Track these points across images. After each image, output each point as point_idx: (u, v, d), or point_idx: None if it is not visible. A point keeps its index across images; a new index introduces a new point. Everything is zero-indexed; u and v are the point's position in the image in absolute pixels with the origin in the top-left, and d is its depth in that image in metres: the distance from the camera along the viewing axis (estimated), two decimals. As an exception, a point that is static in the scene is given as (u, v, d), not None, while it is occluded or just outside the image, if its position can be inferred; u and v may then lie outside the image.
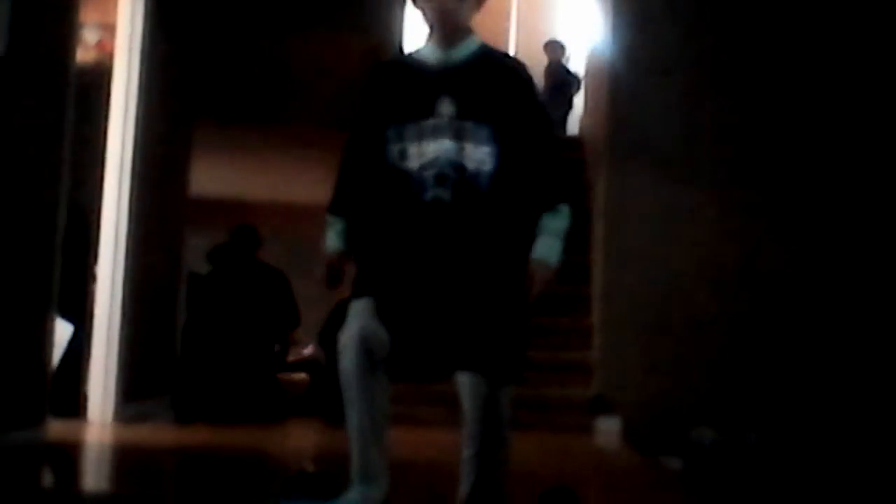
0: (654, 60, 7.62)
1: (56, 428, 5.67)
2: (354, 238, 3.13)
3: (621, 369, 7.50)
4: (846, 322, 7.28)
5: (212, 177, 10.14)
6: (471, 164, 2.95)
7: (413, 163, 2.98)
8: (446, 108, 2.97)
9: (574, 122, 11.23)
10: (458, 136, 2.96)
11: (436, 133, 2.97)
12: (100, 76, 6.75)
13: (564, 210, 3.01)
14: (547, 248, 2.97)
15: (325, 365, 8.16)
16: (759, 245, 7.46)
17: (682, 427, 5.93)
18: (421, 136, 2.98)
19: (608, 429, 7.38)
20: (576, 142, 10.09)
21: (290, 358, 8.74)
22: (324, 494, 2.89)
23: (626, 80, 7.69)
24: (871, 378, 7.16)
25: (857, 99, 7.46)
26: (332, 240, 3.16)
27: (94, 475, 5.04)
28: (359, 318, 2.93)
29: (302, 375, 8.82)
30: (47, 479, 4.74)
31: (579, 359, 7.86)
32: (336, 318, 8.77)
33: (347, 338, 2.93)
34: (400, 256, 2.98)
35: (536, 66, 10.56)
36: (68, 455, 5.40)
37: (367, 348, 2.87)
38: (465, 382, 3.00)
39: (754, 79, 7.54)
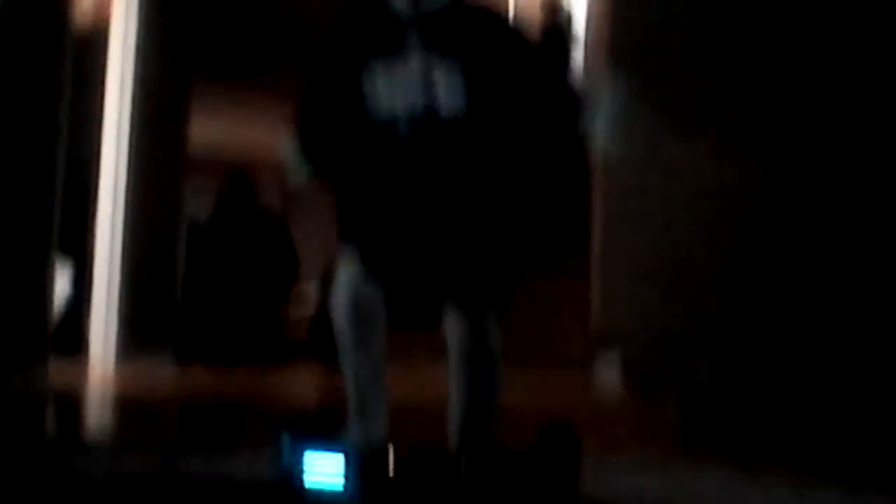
0: (656, 10, 7.57)
1: (59, 369, 5.70)
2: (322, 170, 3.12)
3: (621, 305, 7.52)
4: (838, 262, 7.29)
5: (210, 131, 10.11)
6: (445, 100, 2.92)
7: (386, 102, 2.95)
8: (416, 43, 2.93)
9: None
10: (429, 73, 2.92)
11: (408, 70, 2.93)
12: (98, 29, 6.72)
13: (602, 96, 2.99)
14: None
15: (325, 308, 8.18)
16: (759, 198, 7.45)
17: (680, 364, 5.96)
18: (392, 74, 2.94)
19: (608, 364, 7.42)
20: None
21: (294, 315, 8.78)
22: (326, 432, 2.90)
23: (627, 33, 7.64)
24: (866, 318, 7.19)
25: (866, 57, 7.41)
26: (298, 163, 3.13)
27: (96, 418, 5.09)
28: (347, 273, 2.92)
29: (302, 318, 8.86)
30: (50, 419, 4.78)
31: (578, 294, 7.88)
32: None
33: (338, 295, 2.93)
34: (380, 198, 2.97)
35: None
36: (71, 397, 5.44)
37: (357, 303, 2.88)
38: (452, 321, 2.98)
39: (757, 33, 7.48)
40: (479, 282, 2.94)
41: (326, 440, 2.82)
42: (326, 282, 8.30)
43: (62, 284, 6.31)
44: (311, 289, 9.10)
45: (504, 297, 2.98)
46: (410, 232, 2.93)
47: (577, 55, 11.01)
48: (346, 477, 2.73)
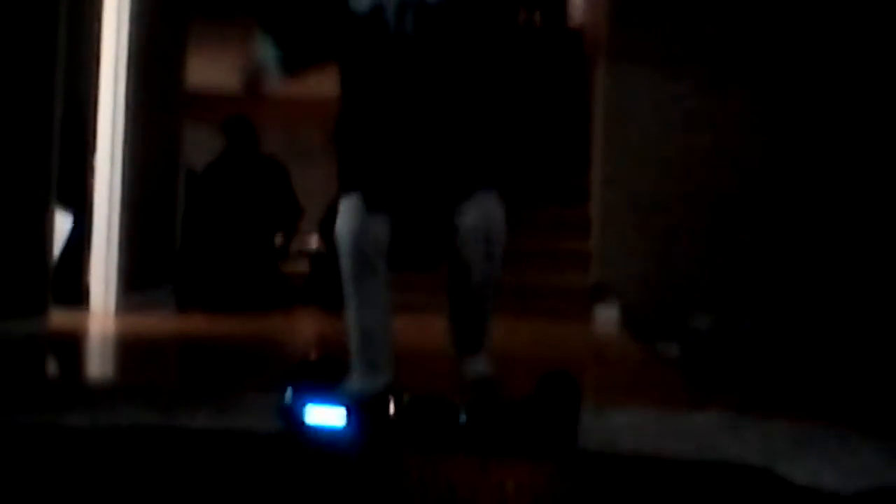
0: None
1: (59, 317, 5.71)
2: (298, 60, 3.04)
3: (620, 257, 7.53)
4: (844, 210, 7.29)
5: (208, 70, 10.05)
6: None
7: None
8: None
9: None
10: None
11: None
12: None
13: None
14: None
15: (326, 254, 8.19)
16: (757, 136, 7.44)
17: (679, 314, 5.98)
18: None
19: (607, 316, 7.44)
20: (576, 36, 9.99)
21: (297, 249, 8.79)
22: (328, 379, 2.90)
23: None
24: (868, 265, 7.20)
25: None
26: (270, 54, 3.05)
27: (97, 365, 5.10)
28: (351, 214, 2.87)
29: (303, 264, 8.87)
30: (51, 367, 4.79)
31: (578, 247, 7.89)
32: (336, 209, 8.77)
33: (342, 238, 2.88)
34: (370, 92, 2.89)
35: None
36: (71, 345, 5.45)
37: (362, 248, 2.84)
38: (463, 229, 2.88)
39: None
40: (480, 170, 2.88)
41: (328, 392, 2.81)
42: (325, 228, 8.30)
43: (61, 232, 6.31)
44: (312, 238, 9.11)
45: (507, 188, 2.94)
46: (405, 125, 2.87)
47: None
48: (348, 424, 2.72)
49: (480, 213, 2.85)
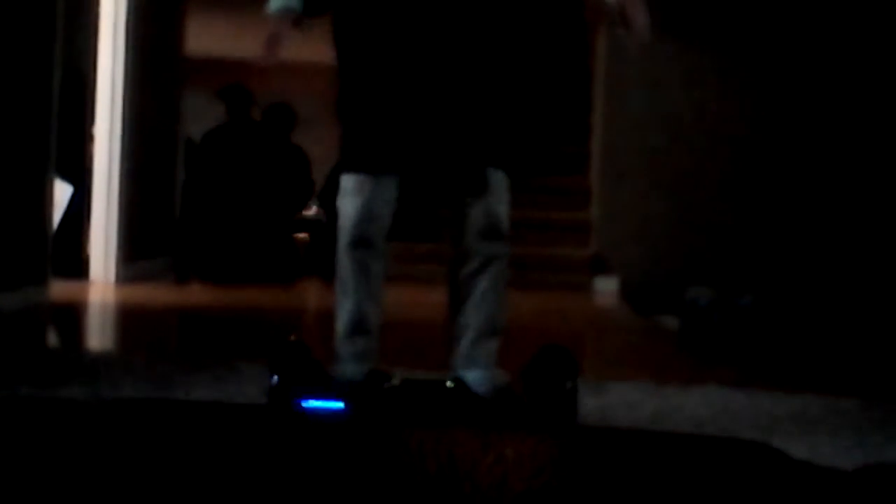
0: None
1: (59, 288, 5.71)
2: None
3: (620, 230, 7.53)
4: (844, 181, 7.28)
5: (208, 36, 10.01)
6: None
7: None
8: None
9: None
10: None
11: None
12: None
13: None
14: None
15: (326, 224, 8.20)
16: (759, 109, 7.42)
17: (678, 287, 5.98)
18: None
19: (606, 288, 7.44)
20: (577, 1, 9.94)
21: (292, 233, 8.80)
22: (312, 367, 2.79)
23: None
24: (868, 239, 7.20)
25: None
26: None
27: (97, 335, 5.11)
28: (355, 197, 2.74)
29: (303, 235, 8.87)
30: (52, 338, 4.80)
31: (578, 219, 7.89)
32: (336, 179, 8.79)
33: (345, 221, 2.76)
34: (387, 62, 2.71)
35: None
36: (71, 315, 5.46)
37: (366, 236, 2.74)
38: (469, 223, 2.77)
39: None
40: (492, 145, 2.76)
41: (319, 385, 2.70)
42: (325, 198, 8.30)
43: (60, 202, 6.30)
44: (311, 208, 9.09)
45: (517, 156, 2.87)
46: (418, 91, 2.72)
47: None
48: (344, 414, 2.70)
49: (486, 210, 2.75)
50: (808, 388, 3.56)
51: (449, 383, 2.81)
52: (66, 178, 6.38)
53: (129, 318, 5.46)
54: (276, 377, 2.67)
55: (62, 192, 6.31)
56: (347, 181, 2.78)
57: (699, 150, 7.46)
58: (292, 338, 2.88)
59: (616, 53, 7.54)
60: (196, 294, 6.66)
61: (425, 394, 2.79)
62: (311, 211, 8.98)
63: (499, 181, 2.77)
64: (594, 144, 7.96)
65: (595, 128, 7.97)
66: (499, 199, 2.77)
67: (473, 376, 2.79)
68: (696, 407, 3.14)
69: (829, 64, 7.35)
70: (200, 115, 9.48)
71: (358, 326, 2.78)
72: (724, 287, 5.84)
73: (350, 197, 2.76)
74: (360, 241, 2.75)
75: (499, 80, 2.76)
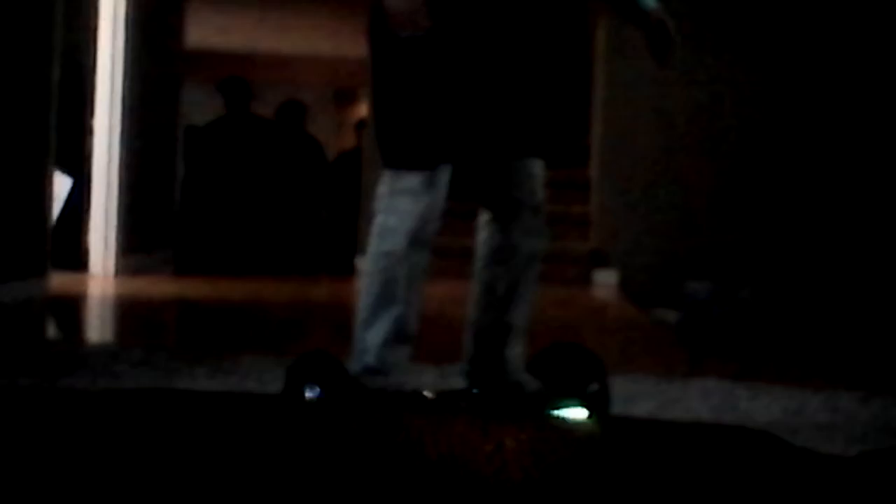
0: None
1: (58, 280, 5.72)
2: None
3: (619, 223, 7.53)
4: (843, 175, 7.28)
5: (207, 29, 10.01)
6: None
7: None
8: None
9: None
10: None
11: None
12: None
13: None
14: None
15: (327, 219, 8.21)
16: (759, 102, 7.42)
17: (678, 280, 5.98)
18: None
19: (606, 281, 7.45)
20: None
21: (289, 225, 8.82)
22: (331, 378, 2.69)
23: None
24: (866, 232, 7.20)
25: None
26: None
27: (96, 327, 5.11)
28: (407, 204, 2.61)
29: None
30: (51, 331, 4.80)
31: (578, 212, 7.88)
32: (341, 163, 8.82)
33: (391, 232, 2.62)
34: (444, 52, 2.61)
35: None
36: (71, 307, 5.46)
37: (424, 236, 2.63)
38: (522, 185, 2.72)
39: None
40: (534, 133, 2.71)
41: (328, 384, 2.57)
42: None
43: (60, 194, 6.30)
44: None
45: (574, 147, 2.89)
46: (471, 77, 2.64)
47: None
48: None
49: (532, 202, 2.72)
50: (807, 381, 3.57)
51: (475, 390, 2.72)
52: (66, 170, 6.38)
53: (128, 311, 5.46)
54: (317, 389, 2.52)
55: (61, 185, 6.31)
56: (402, 181, 2.62)
57: (699, 144, 7.46)
58: (316, 350, 2.75)
59: (616, 46, 7.53)
60: (196, 286, 6.67)
61: (476, 404, 2.68)
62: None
63: (539, 175, 2.74)
64: (594, 137, 7.96)
65: (595, 121, 7.97)
66: (538, 183, 2.75)
67: (524, 379, 2.74)
68: (695, 400, 3.14)
69: (830, 59, 7.35)
70: (200, 108, 9.48)
71: (403, 334, 2.63)
72: (724, 280, 5.86)
73: (410, 196, 2.61)
74: (420, 242, 2.63)
75: (543, 70, 2.73)
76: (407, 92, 2.64)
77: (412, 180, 2.61)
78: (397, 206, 2.62)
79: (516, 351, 2.76)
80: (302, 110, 8.23)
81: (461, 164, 2.69)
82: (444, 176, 2.65)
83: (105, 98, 6.60)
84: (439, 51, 2.62)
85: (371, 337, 2.61)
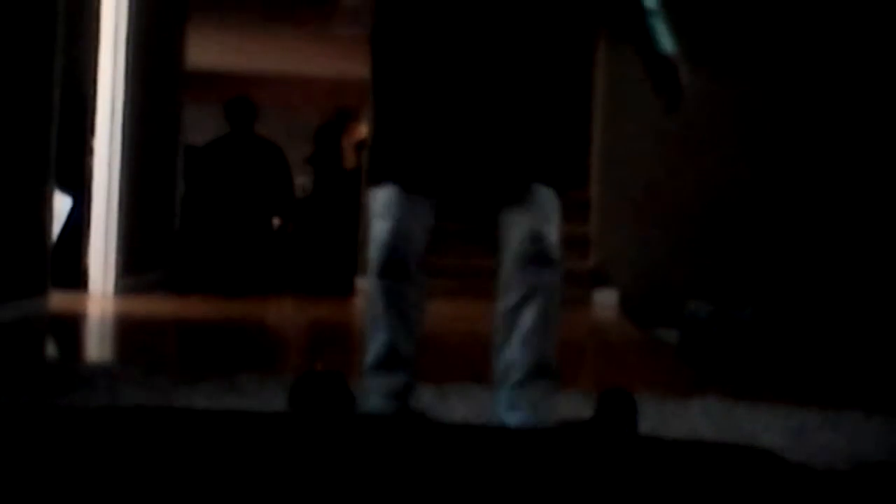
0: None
1: (58, 299, 5.71)
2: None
3: (619, 242, 7.53)
4: (844, 195, 7.28)
5: (208, 49, 10.04)
6: None
7: None
8: None
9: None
10: None
11: None
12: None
13: None
14: (661, 34, 2.57)
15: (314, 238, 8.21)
16: (759, 122, 7.43)
17: (678, 300, 5.98)
18: None
19: (605, 301, 7.44)
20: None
21: (291, 231, 8.80)
22: (335, 397, 2.67)
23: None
24: (867, 252, 7.20)
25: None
26: None
27: (96, 346, 5.10)
28: (387, 210, 2.51)
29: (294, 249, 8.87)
30: (50, 349, 4.79)
31: (578, 232, 7.88)
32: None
33: (375, 237, 2.53)
34: (427, 68, 2.48)
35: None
36: (70, 326, 5.45)
37: (396, 254, 2.51)
38: (515, 213, 2.50)
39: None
40: (553, 157, 2.50)
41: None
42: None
43: (60, 213, 6.30)
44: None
45: (574, 173, 2.70)
46: (460, 99, 2.48)
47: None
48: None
49: (529, 231, 2.47)
50: (808, 400, 3.56)
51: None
52: (66, 189, 6.38)
53: (127, 330, 5.45)
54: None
55: (62, 204, 6.31)
56: (378, 200, 2.53)
57: (699, 164, 7.46)
58: (318, 367, 2.72)
59: (617, 67, 7.54)
60: (195, 306, 6.66)
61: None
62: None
63: (545, 198, 2.50)
64: (594, 157, 7.96)
65: (595, 140, 7.97)
66: (545, 219, 2.49)
67: (516, 419, 2.53)
68: (695, 419, 3.13)
69: (828, 81, 7.36)
70: (201, 128, 9.49)
71: (386, 361, 2.56)
72: (724, 300, 5.85)
73: (380, 219, 2.51)
74: (391, 268, 2.51)
75: (542, 92, 2.52)
76: (388, 104, 2.55)
77: (383, 200, 2.52)
78: (374, 230, 2.55)
79: (535, 392, 2.55)
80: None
81: (443, 194, 2.54)
82: (421, 200, 2.51)
83: (105, 117, 6.61)
84: (424, 72, 2.50)
85: (367, 361, 2.58)
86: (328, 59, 10.70)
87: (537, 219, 2.49)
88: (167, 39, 7.87)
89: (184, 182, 8.33)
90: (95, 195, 6.61)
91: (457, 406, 3.06)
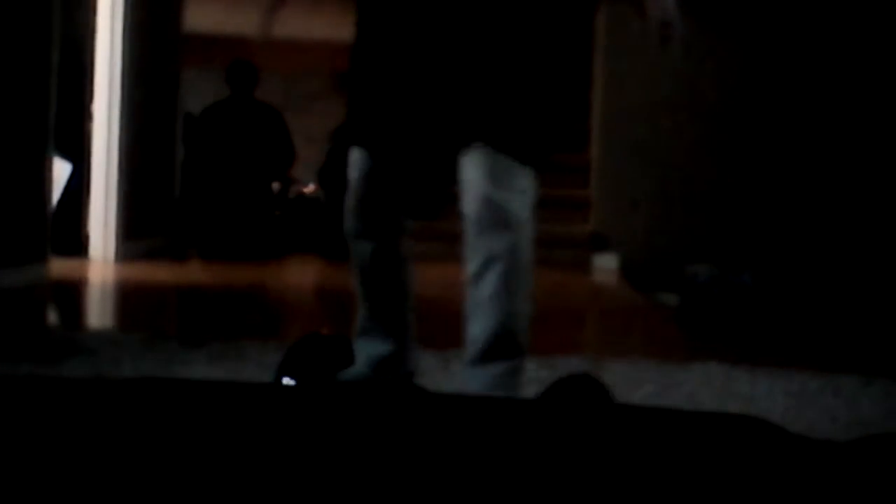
0: None
1: (58, 266, 5.71)
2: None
3: (619, 207, 7.52)
4: (844, 159, 7.27)
5: (207, 12, 9.98)
6: None
7: None
8: None
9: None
10: None
11: None
12: None
13: None
14: None
15: (325, 202, 8.18)
16: (759, 86, 7.40)
17: (678, 264, 5.98)
18: None
19: (606, 265, 7.44)
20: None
21: (291, 195, 8.79)
22: (338, 361, 2.67)
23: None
24: (867, 216, 7.19)
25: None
26: None
27: (97, 313, 5.10)
28: (353, 171, 2.47)
29: (301, 212, 8.86)
30: (51, 316, 4.80)
31: (578, 196, 7.88)
32: (335, 156, 8.79)
33: (346, 211, 2.50)
34: (389, 35, 2.45)
35: None
36: (71, 293, 5.45)
37: (360, 208, 2.47)
38: (469, 178, 2.38)
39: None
40: (511, 118, 2.38)
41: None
42: (324, 176, 8.29)
43: (59, 180, 6.29)
44: (311, 185, 9.09)
45: (544, 145, 2.42)
46: (417, 65, 2.41)
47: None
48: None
49: (483, 195, 2.35)
50: (808, 364, 3.57)
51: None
52: (65, 155, 6.37)
53: (128, 296, 5.45)
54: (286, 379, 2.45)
55: (61, 170, 6.30)
56: (350, 164, 2.50)
57: (699, 128, 7.44)
58: (324, 330, 2.70)
59: (616, 30, 7.51)
60: (196, 272, 6.66)
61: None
62: (310, 188, 8.97)
63: (499, 163, 2.36)
64: (594, 121, 7.94)
65: (595, 104, 7.95)
66: (499, 184, 2.35)
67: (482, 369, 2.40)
68: (695, 384, 3.14)
69: (829, 44, 7.33)
70: (199, 92, 9.45)
71: (366, 328, 2.54)
72: (724, 264, 5.85)
73: (351, 183, 2.48)
74: (359, 230, 2.49)
75: (501, 57, 2.40)
76: (353, 68, 2.53)
77: (352, 164, 2.48)
78: (348, 195, 2.51)
79: (496, 370, 2.42)
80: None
81: (391, 152, 2.48)
82: (382, 159, 2.45)
83: (104, 83, 6.59)
84: (384, 36, 2.47)
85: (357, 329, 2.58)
86: (328, 23, 10.65)
87: (490, 184, 2.35)
88: (165, 3, 7.83)
89: (183, 146, 8.31)
90: (95, 161, 6.60)
91: (459, 372, 3.06)
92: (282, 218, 8.29)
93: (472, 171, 2.37)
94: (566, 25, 2.47)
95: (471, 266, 2.38)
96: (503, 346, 2.38)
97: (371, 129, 2.48)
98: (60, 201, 6.30)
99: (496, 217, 2.34)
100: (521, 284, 2.38)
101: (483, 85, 2.38)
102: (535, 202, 2.41)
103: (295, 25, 11.18)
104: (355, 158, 2.49)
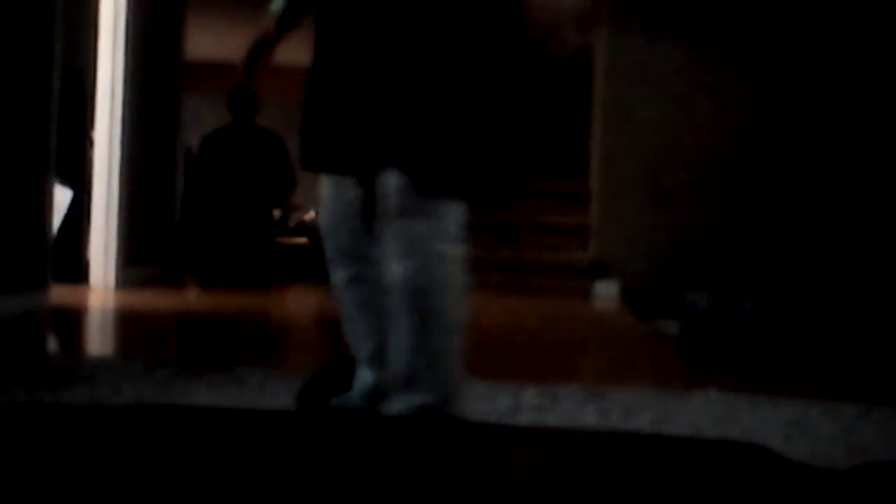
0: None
1: (59, 293, 5.71)
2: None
3: (620, 234, 7.53)
4: (845, 187, 7.28)
5: (207, 40, 10.03)
6: None
7: None
8: None
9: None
10: None
11: None
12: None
13: None
14: None
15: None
16: (760, 111, 7.42)
17: (678, 291, 5.98)
18: None
19: (606, 292, 7.44)
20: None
21: (292, 223, 8.80)
22: (338, 386, 2.65)
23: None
24: (868, 244, 7.20)
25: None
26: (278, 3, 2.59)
27: (97, 340, 5.10)
28: (325, 208, 2.55)
29: (302, 240, 8.87)
30: (51, 343, 4.79)
31: (578, 223, 7.89)
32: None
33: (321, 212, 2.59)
34: (330, 64, 2.48)
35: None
36: (71, 320, 5.45)
37: (328, 233, 2.54)
38: (381, 203, 2.39)
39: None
40: (426, 141, 2.34)
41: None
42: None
43: (60, 206, 6.30)
44: (311, 212, 9.11)
45: (474, 184, 2.37)
46: (348, 90, 2.42)
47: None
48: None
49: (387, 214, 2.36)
50: (808, 392, 3.56)
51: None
52: (66, 182, 6.38)
53: (128, 324, 5.45)
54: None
55: (62, 197, 6.31)
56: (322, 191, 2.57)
57: (699, 155, 7.46)
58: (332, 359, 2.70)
59: (615, 58, 7.54)
60: (196, 299, 6.66)
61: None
62: (310, 215, 8.99)
63: (410, 192, 2.33)
64: (594, 148, 7.96)
65: (595, 131, 7.97)
66: (407, 212, 2.33)
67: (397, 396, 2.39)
68: (695, 412, 3.13)
69: (830, 72, 7.35)
70: (200, 120, 9.49)
71: (357, 358, 2.56)
72: (725, 292, 5.85)
73: (321, 210, 2.57)
74: (331, 258, 2.53)
75: (417, 83, 2.35)
76: (306, 90, 2.55)
77: (323, 189, 2.54)
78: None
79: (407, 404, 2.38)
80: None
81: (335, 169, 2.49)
82: (342, 181, 2.50)
83: (105, 109, 6.61)
84: (321, 60, 2.51)
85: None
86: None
87: (396, 209, 2.35)
88: (166, 30, 7.86)
89: (184, 174, 8.32)
90: (96, 188, 6.61)
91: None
92: (282, 245, 8.31)
93: (385, 195, 2.36)
94: (499, 57, 2.39)
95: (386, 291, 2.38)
96: (407, 378, 2.35)
97: (313, 152, 2.50)
98: (61, 228, 6.31)
99: (403, 243, 2.34)
100: (435, 318, 2.33)
101: (397, 110, 2.35)
102: (460, 227, 2.36)
103: (294, 52, 11.22)
104: (323, 186, 2.54)
